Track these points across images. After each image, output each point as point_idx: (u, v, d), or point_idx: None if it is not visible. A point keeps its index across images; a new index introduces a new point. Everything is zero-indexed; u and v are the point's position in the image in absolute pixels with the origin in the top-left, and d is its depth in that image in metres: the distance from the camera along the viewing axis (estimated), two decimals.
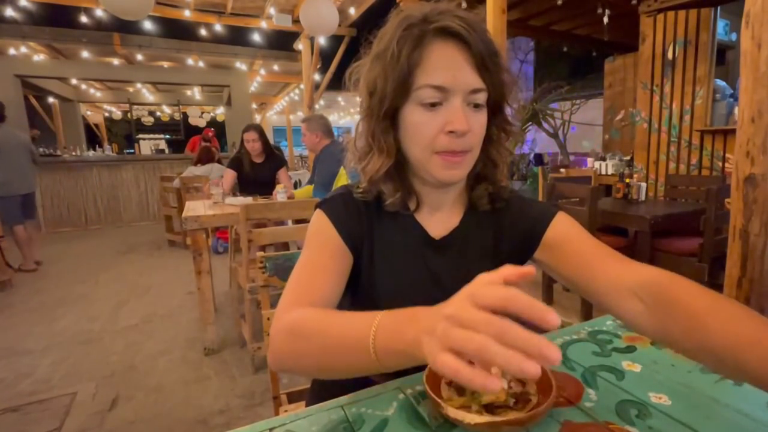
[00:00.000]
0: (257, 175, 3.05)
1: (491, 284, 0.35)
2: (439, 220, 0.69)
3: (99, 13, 4.59)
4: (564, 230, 0.65)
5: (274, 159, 3.16)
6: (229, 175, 3.03)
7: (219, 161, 4.82)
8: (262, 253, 1.07)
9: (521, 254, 0.68)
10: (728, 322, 0.43)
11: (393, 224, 0.68)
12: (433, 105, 0.58)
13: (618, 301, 0.55)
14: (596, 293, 0.58)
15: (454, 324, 0.34)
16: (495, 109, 0.64)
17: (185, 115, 10.54)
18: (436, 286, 0.66)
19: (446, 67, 0.56)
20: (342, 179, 2.65)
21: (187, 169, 4.74)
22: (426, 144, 0.59)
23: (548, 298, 2.76)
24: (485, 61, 0.57)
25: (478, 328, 0.32)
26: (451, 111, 0.57)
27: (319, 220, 0.67)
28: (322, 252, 0.64)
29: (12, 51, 6.39)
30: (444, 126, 0.58)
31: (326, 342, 0.48)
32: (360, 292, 0.68)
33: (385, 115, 0.61)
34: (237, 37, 6.56)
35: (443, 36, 0.57)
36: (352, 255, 0.66)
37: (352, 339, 0.44)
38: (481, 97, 0.59)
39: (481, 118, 0.60)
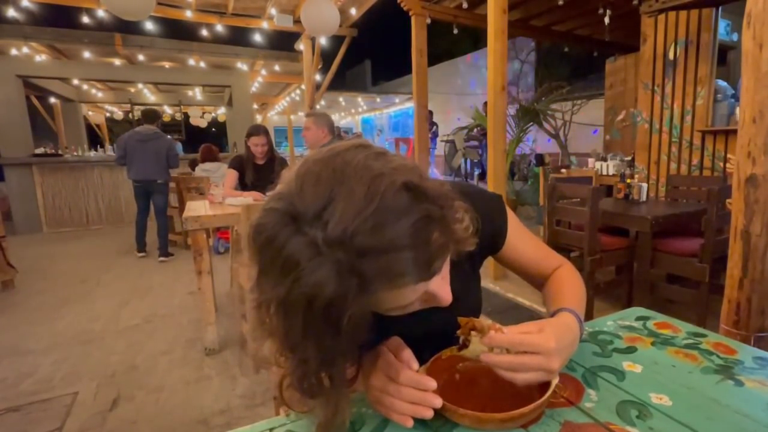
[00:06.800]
0: (260, 176, 3.04)
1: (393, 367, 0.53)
2: None
3: (100, 13, 4.60)
4: (514, 236, 0.77)
5: (276, 160, 3.15)
6: (232, 175, 3.01)
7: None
8: None
9: (484, 252, 0.77)
10: (549, 287, 0.78)
11: None
12: None
13: (541, 285, 0.82)
14: (531, 280, 0.84)
15: (376, 390, 0.53)
16: None
17: (186, 116, 10.56)
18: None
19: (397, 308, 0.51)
20: None
21: (197, 167, 4.76)
22: None
23: None
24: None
25: (388, 392, 0.51)
26: None
27: None
28: None
29: (14, 51, 6.40)
30: None
31: None
32: None
33: None
34: (238, 38, 6.56)
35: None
36: None
37: None
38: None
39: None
